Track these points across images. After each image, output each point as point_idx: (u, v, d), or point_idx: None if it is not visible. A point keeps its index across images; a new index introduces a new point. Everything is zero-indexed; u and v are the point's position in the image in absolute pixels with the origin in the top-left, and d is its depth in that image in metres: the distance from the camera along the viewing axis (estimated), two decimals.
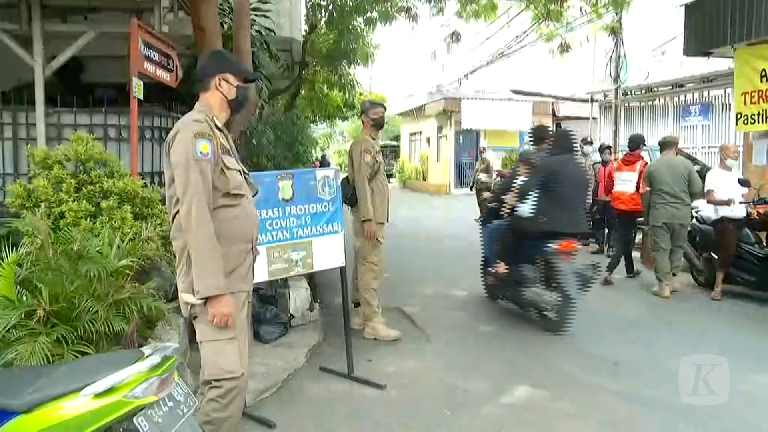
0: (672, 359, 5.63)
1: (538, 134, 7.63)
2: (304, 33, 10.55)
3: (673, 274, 8.27)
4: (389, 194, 6.41)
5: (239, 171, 3.23)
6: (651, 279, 8.46)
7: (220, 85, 3.22)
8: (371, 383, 4.90)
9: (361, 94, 13.54)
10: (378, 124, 6.25)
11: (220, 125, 3.22)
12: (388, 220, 6.36)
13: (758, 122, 9.57)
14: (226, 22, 6.85)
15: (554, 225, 6.28)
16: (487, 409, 4.53)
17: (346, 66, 11.86)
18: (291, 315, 6.31)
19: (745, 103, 9.73)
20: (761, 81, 9.35)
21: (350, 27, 10.32)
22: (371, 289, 6.06)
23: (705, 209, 8.33)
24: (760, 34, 9.10)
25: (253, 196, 3.40)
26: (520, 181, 6.84)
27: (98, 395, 2.42)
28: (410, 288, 8.41)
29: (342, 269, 4.99)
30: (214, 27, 5.45)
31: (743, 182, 7.91)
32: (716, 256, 8.09)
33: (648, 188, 8.34)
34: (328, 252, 4.73)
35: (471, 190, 16.97)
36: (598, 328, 6.69)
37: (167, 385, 2.62)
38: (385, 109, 6.46)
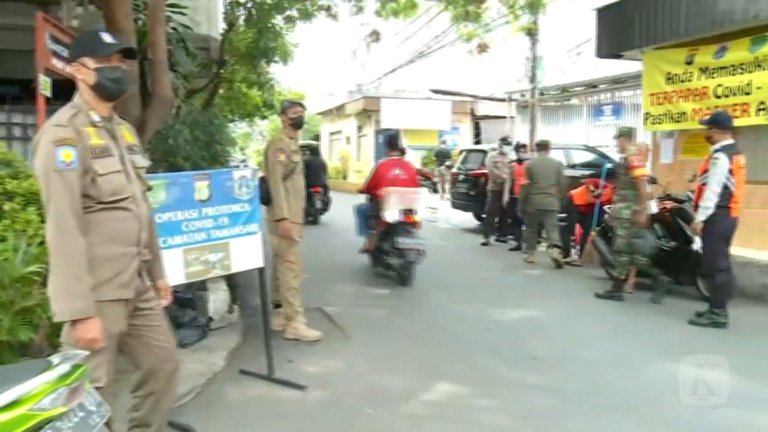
0: (588, 351, 5.83)
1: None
2: (222, 31, 10.37)
3: (556, 247, 10.02)
4: (305, 194, 6.36)
5: (122, 172, 2.94)
6: (581, 279, 8.69)
7: (78, 71, 2.90)
8: (292, 384, 4.86)
9: (280, 93, 13.43)
10: (297, 124, 6.21)
11: (98, 118, 2.90)
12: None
13: (664, 122, 9.98)
14: (140, 18, 6.65)
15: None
16: (408, 407, 4.56)
17: (265, 65, 11.73)
18: (210, 318, 6.19)
19: (652, 104, 10.12)
20: (666, 83, 9.74)
21: (269, 25, 10.20)
22: (292, 288, 6.02)
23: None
24: (665, 39, 9.50)
25: (149, 191, 3.22)
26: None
27: (1, 409, 2.30)
28: (330, 287, 8.39)
29: (261, 270, 4.92)
30: (128, 22, 5.27)
31: (651, 179, 8.28)
32: None
33: (527, 181, 10.23)
34: (247, 253, 4.66)
35: None
36: (517, 324, 6.85)
37: (77, 395, 2.51)
38: (304, 109, 6.42)
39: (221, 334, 6.10)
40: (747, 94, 8.44)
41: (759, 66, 8.28)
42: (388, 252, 8.64)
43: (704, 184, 6.58)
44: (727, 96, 8.72)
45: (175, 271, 4.11)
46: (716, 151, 6.56)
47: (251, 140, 46.01)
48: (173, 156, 7.08)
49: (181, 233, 4.18)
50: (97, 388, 2.80)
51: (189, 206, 4.25)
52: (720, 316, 6.61)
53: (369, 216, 9.14)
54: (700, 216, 6.54)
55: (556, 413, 4.47)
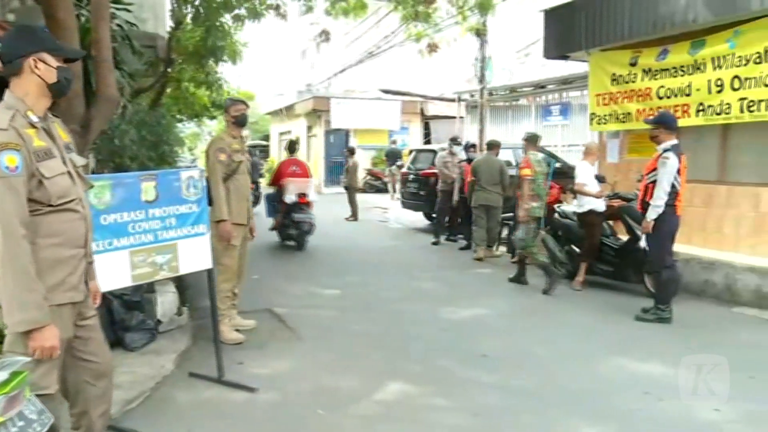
0: (539, 349, 5.91)
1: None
2: (169, 29, 10.20)
3: (489, 246, 10.89)
4: (249, 194, 6.29)
5: (66, 173, 2.87)
6: (530, 277, 8.79)
7: (36, 67, 2.78)
8: (243, 386, 4.81)
9: (229, 92, 13.27)
10: (239, 122, 6.14)
11: (36, 119, 2.81)
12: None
13: (609, 122, 10.19)
14: (83, 14, 6.49)
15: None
16: (360, 407, 4.56)
17: (214, 64, 11.59)
18: (158, 320, 6.08)
19: (598, 105, 10.33)
20: (611, 84, 9.95)
21: (217, 24, 10.07)
22: (221, 291, 5.87)
23: (566, 204, 8.87)
24: (610, 41, 9.70)
25: (91, 189, 3.16)
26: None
27: None
28: (281, 288, 8.34)
29: (210, 271, 4.86)
30: (69, 18, 5.12)
31: (600, 178, 8.49)
32: (578, 249, 8.57)
33: (472, 178, 10.73)
34: (195, 254, 4.59)
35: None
36: (469, 323, 6.90)
37: (16, 404, 2.42)
38: (247, 107, 6.35)
39: (170, 336, 6.01)
40: (687, 95, 8.68)
41: (698, 68, 8.53)
42: (289, 225, 11.31)
43: (651, 183, 6.73)
44: (669, 97, 8.96)
45: (121, 273, 4.04)
46: (666, 150, 6.71)
47: (200, 140, 45.36)
48: (119, 156, 6.95)
49: (128, 235, 4.10)
50: (46, 396, 2.75)
51: (135, 207, 4.16)
52: (665, 311, 6.78)
53: (275, 201, 11.67)
54: (651, 214, 6.68)
55: (507, 410, 4.53)
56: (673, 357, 5.69)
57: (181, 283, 7.15)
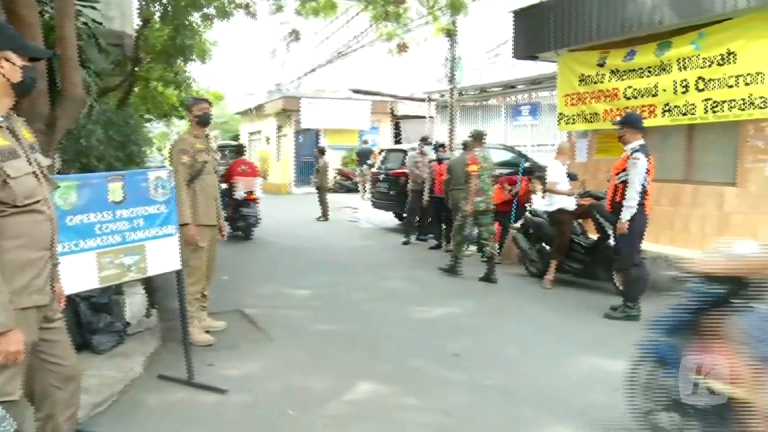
0: (509, 347, 5.95)
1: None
2: (137, 27, 10.07)
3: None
4: (218, 194, 6.20)
5: (32, 173, 2.83)
6: (500, 276, 8.83)
7: (0, 66, 2.76)
8: (213, 388, 4.77)
9: (198, 92, 13.15)
10: (203, 121, 6.05)
11: (1, 118, 2.77)
12: (220, 221, 6.18)
13: (577, 122, 10.29)
14: (47, 11, 6.37)
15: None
16: (331, 407, 4.55)
17: (183, 63, 11.46)
18: (127, 322, 6.00)
19: (566, 105, 10.42)
20: (580, 84, 10.05)
21: (186, 22, 9.96)
22: (189, 294, 5.78)
23: (538, 203, 8.96)
24: (579, 42, 9.80)
25: (56, 190, 3.11)
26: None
27: None
28: (251, 288, 8.30)
29: (179, 272, 4.81)
30: (32, 14, 5.01)
31: (571, 176, 8.61)
32: (549, 247, 8.65)
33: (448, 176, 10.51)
34: (164, 255, 4.54)
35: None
36: (439, 322, 6.92)
37: None
38: (210, 105, 6.27)
39: (139, 339, 5.94)
40: (654, 96, 8.80)
41: (664, 69, 8.65)
42: (238, 219, 12.54)
43: (621, 183, 6.81)
44: (636, 97, 9.07)
45: (88, 275, 3.98)
46: (635, 151, 6.80)
47: (169, 140, 44.86)
48: (86, 156, 6.83)
49: (95, 236, 4.04)
50: (9, 402, 2.69)
51: (102, 208, 4.10)
52: (633, 309, 6.86)
53: (225, 197, 11.71)
54: (626, 215, 6.75)
55: (478, 408, 4.55)
56: None
57: (149, 284, 7.07)
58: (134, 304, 6.16)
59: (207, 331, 6.06)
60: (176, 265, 4.72)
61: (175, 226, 4.66)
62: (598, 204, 8.06)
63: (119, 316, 5.94)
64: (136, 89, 11.84)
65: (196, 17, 9.94)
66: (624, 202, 6.76)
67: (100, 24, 7.52)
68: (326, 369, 5.35)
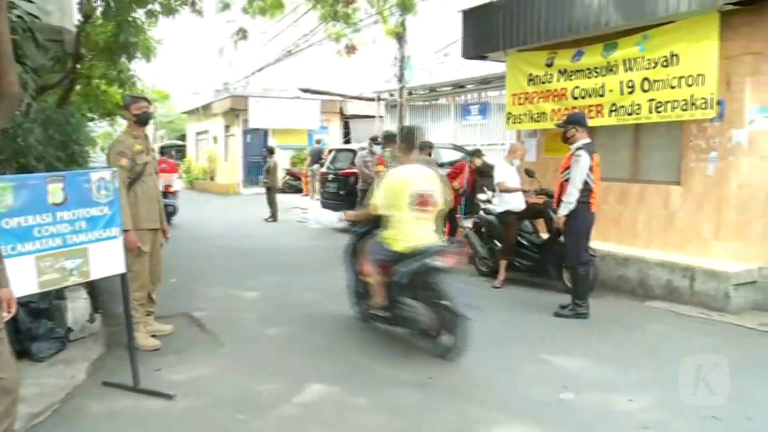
0: None
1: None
2: (77, 22, 9.76)
3: None
4: (160, 196, 6.07)
5: None
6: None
7: None
8: (159, 394, 4.64)
9: (142, 90, 12.83)
10: (142, 120, 5.87)
11: None
12: (169, 223, 6.03)
13: (524, 122, 10.38)
14: None
15: None
16: (281, 411, 4.48)
17: (126, 61, 11.18)
18: (69, 328, 5.81)
19: (514, 104, 10.50)
20: (528, 84, 10.14)
21: (130, 19, 9.70)
22: (134, 300, 5.62)
23: (490, 202, 9.06)
24: (527, 42, 9.89)
25: None
26: None
27: None
28: (199, 291, 8.15)
29: (123, 276, 4.68)
30: None
31: (530, 172, 8.70)
32: (500, 245, 8.71)
33: None
34: (107, 258, 4.41)
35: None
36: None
37: None
38: (150, 103, 6.11)
39: (82, 345, 5.75)
40: (601, 96, 8.92)
41: (611, 70, 8.78)
42: None
43: (565, 181, 6.91)
44: (583, 97, 9.19)
45: (26, 280, 3.83)
46: (578, 149, 6.90)
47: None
48: (24, 156, 6.59)
49: (33, 239, 3.89)
50: None
51: (41, 210, 3.95)
52: (582, 307, 6.94)
53: None
54: (563, 210, 6.87)
55: (428, 408, 4.53)
56: (590, 351, 5.86)
57: (93, 288, 6.86)
58: (77, 309, 5.97)
59: (154, 336, 5.92)
60: (121, 269, 4.59)
61: (120, 228, 4.54)
62: (552, 201, 8.14)
63: (61, 321, 5.74)
64: (78, 87, 11.50)
65: (140, 14, 9.69)
66: (563, 198, 6.88)
67: (37, 18, 7.27)
68: (276, 371, 5.27)
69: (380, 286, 5.87)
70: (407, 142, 6.39)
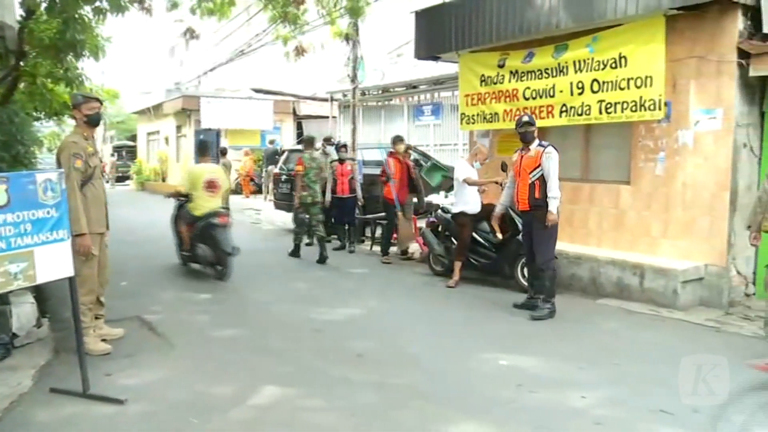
0: (414, 346, 5.97)
1: None
2: (20, 18, 9.48)
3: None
4: (107, 199, 5.92)
5: None
6: (404, 275, 8.87)
7: None
8: (110, 399, 4.54)
9: (91, 90, 12.54)
10: (93, 121, 5.71)
11: None
12: (108, 227, 5.90)
13: (477, 122, 10.46)
14: None
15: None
16: (235, 413, 4.42)
17: (74, 59, 10.91)
18: (14, 334, 5.63)
19: (467, 105, 10.57)
20: (480, 85, 10.21)
21: (76, 15, 9.45)
22: (83, 304, 5.46)
23: (445, 203, 9.11)
24: (479, 43, 9.96)
25: None
26: None
27: None
28: (151, 294, 8.00)
29: (71, 279, 4.56)
30: None
31: (504, 166, 8.73)
32: (456, 243, 8.78)
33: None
34: (54, 262, 4.29)
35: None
36: (344, 323, 6.88)
37: None
38: (101, 104, 5.96)
39: (28, 351, 5.59)
40: (551, 96, 9.04)
41: (561, 71, 8.90)
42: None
43: (537, 180, 6.99)
44: (534, 98, 9.29)
45: None
46: (548, 146, 7.07)
47: (60, 140, 42.90)
48: None
49: None
50: None
51: None
52: (552, 305, 7.02)
53: None
54: (554, 205, 6.96)
55: (384, 409, 4.53)
56: (544, 350, 5.93)
57: (40, 293, 6.68)
58: (22, 314, 5.79)
59: (104, 340, 5.79)
60: (69, 272, 4.48)
61: (67, 230, 4.42)
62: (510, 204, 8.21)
63: (5, 327, 5.57)
64: (22, 86, 11.19)
65: (87, 10, 9.46)
66: (550, 194, 6.96)
67: None
68: (230, 374, 5.21)
69: (187, 237, 9.10)
70: (201, 151, 9.97)
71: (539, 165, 7.00)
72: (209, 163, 9.60)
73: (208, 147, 10.50)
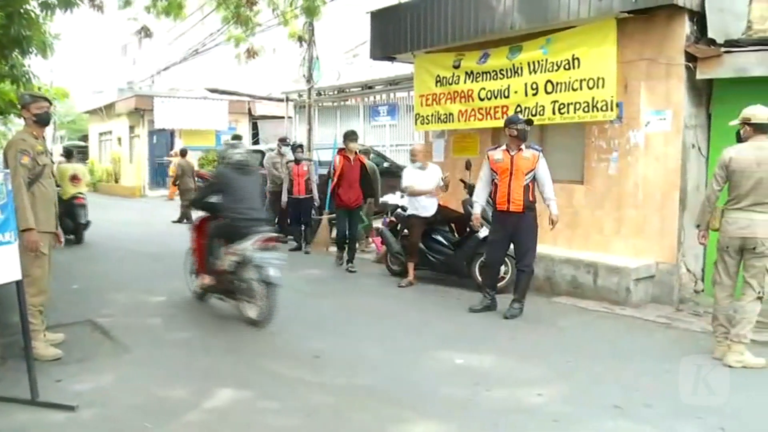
0: (370, 346, 5.97)
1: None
2: None
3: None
4: (56, 199, 5.80)
5: None
6: (360, 276, 8.85)
7: None
8: (60, 406, 4.42)
9: (39, 88, 12.24)
10: (42, 121, 5.60)
11: None
12: (57, 228, 5.77)
13: (432, 122, 10.50)
14: None
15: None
16: (190, 417, 4.36)
17: (20, 56, 10.63)
18: None
19: (422, 105, 10.61)
20: (436, 85, 10.26)
21: (22, 10, 9.19)
22: (31, 306, 5.35)
23: (402, 202, 9.16)
24: (434, 44, 10.01)
25: None
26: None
27: None
28: (103, 297, 7.84)
29: (18, 283, 4.44)
30: None
31: (468, 165, 8.80)
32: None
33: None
34: (0, 265, 4.18)
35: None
36: (299, 324, 6.82)
37: None
38: (50, 103, 5.84)
39: None
40: (506, 97, 9.13)
41: (516, 72, 9.00)
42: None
43: (531, 182, 7.01)
44: (489, 99, 9.37)
45: None
46: (540, 149, 7.19)
47: (6, 140, 41.81)
48: None
49: None
50: None
51: None
52: (523, 304, 7.11)
53: None
54: (556, 209, 7.08)
55: (340, 409, 4.52)
56: (500, 348, 6.00)
57: None
58: None
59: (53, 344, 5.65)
60: (16, 276, 4.36)
61: (14, 232, 4.31)
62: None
63: None
64: None
65: (34, 5, 9.21)
66: (551, 197, 7.07)
67: None
68: (184, 377, 5.14)
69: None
70: (67, 156, 13.38)
71: (534, 168, 6.99)
72: (74, 163, 13.51)
73: (72, 153, 14.29)
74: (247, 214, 6.70)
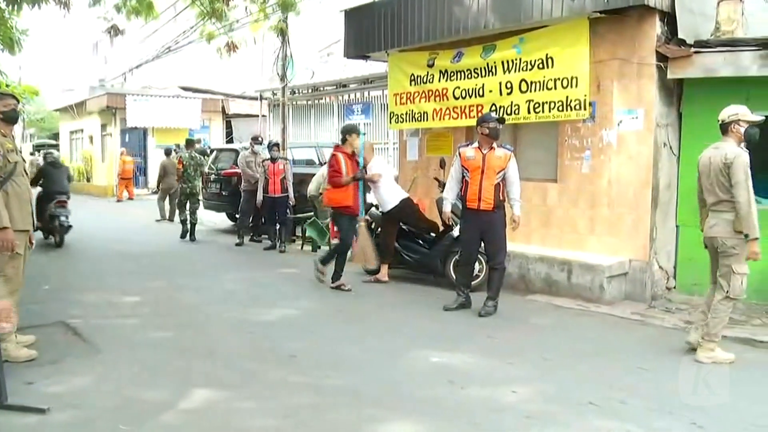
0: (347, 346, 5.95)
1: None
2: None
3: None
4: (32, 198, 5.75)
5: None
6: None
7: None
8: (31, 409, 4.33)
9: (7, 85, 12.08)
10: (10, 118, 5.54)
11: None
12: (35, 228, 5.68)
13: (406, 121, 10.50)
14: None
15: None
16: (166, 418, 4.31)
17: None
18: None
19: (396, 104, 10.60)
20: (410, 84, 10.26)
21: None
22: None
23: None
24: (408, 43, 10.00)
25: None
26: None
27: None
28: (75, 298, 7.74)
29: None
30: None
31: (442, 163, 8.90)
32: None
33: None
34: None
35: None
36: (276, 324, 6.81)
37: None
38: (18, 101, 5.77)
39: None
40: (481, 96, 9.16)
41: (490, 71, 9.03)
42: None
43: (501, 182, 7.06)
44: (464, 97, 9.39)
45: None
46: (512, 149, 7.28)
47: None
48: None
49: None
50: None
51: None
52: (497, 301, 7.16)
53: None
54: (519, 210, 7.22)
55: (317, 409, 4.50)
56: (475, 346, 6.01)
57: None
58: None
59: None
60: None
61: None
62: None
63: None
64: None
65: (0, 2, 9.07)
66: (517, 198, 7.17)
67: None
68: (160, 378, 5.08)
69: None
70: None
71: (505, 167, 7.04)
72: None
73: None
74: None
